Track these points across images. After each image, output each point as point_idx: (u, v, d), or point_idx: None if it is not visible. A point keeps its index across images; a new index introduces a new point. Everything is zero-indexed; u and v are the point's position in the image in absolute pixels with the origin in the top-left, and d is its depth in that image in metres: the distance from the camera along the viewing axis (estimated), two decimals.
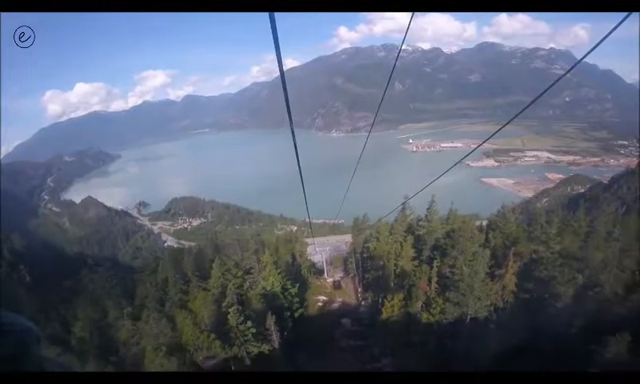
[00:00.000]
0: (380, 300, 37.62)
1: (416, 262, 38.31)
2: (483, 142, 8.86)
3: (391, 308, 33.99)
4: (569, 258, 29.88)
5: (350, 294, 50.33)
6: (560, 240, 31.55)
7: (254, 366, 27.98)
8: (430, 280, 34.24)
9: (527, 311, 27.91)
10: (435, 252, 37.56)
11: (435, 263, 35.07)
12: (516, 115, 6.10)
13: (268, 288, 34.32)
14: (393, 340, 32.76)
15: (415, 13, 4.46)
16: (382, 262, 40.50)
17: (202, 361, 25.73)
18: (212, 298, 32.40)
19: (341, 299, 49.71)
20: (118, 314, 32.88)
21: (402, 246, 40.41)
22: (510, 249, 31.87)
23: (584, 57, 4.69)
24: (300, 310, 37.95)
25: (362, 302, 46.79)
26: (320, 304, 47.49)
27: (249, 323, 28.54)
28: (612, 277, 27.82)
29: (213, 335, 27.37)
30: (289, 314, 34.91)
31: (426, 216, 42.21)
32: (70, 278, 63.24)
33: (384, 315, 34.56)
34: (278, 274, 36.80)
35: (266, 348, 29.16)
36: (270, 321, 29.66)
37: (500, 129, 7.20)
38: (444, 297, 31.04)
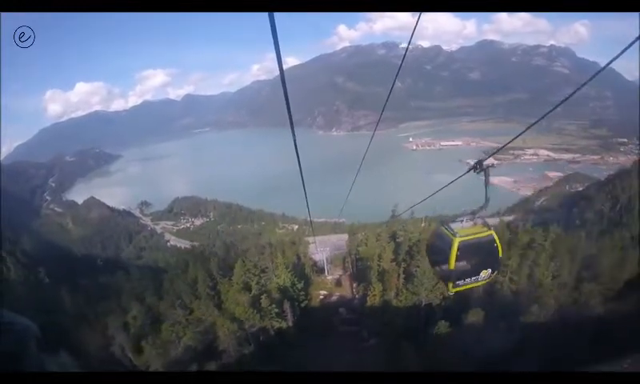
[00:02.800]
0: (368, 293, 45.32)
1: (394, 263, 46.35)
2: (508, 143, 8.28)
3: (373, 297, 42.20)
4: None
5: (346, 289, 56.37)
6: None
7: (276, 336, 36.57)
8: (399, 276, 42.72)
9: (461, 299, 36.53)
10: (407, 255, 46.74)
11: (403, 264, 44.38)
12: (544, 115, 5.91)
13: (280, 283, 42.57)
14: (376, 323, 40.25)
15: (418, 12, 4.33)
16: (369, 263, 48.90)
17: (248, 327, 34.03)
18: (240, 291, 40.43)
19: (338, 293, 55.52)
20: (168, 305, 40.25)
21: (385, 250, 48.79)
22: None
23: (616, 57, 3.98)
24: (305, 302, 45.36)
25: (356, 295, 52.99)
26: (321, 297, 53.93)
27: (273, 306, 37.02)
28: (507, 280, 38.25)
29: (255, 311, 35.58)
30: (297, 304, 42.24)
31: (403, 226, 53.63)
32: (100, 277, 68.40)
33: (368, 304, 43.06)
34: (288, 272, 44.62)
35: (283, 324, 37.51)
36: (286, 306, 38.15)
37: (526, 129, 6.67)
38: (406, 288, 40.33)
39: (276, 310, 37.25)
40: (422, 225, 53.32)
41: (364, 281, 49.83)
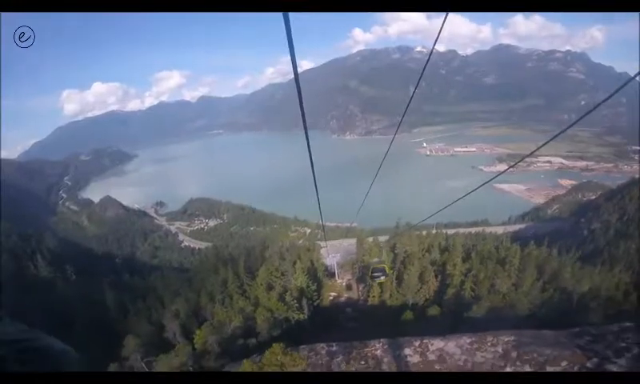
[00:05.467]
0: (369, 295, 52.49)
1: (390, 271, 50.75)
2: (529, 154, 8.72)
3: (373, 298, 49.78)
4: (464, 274, 48.57)
5: (354, 292, 60.28)
6: (465, 264, 51.03)
7: (295, 326, 42.06)
8: (392, 282, 50.24)
9: (437, 299, 46.53)
10: (401, 264, 55.00)
11: (393, 271, 51.79)
12: (568, 127, 5.83)
13: (298, 285, 49.60)
14: (374, 319, 45.63)
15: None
16: None
17: (277, 316, 40.08)
18: (266, 290, 48.89)
19: (347, 295, 59.57)
20: (207, 301, 48.54)
21: (385, 259, 54.53)
22: (442, 265, 52.90)
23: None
24: (317, 301, 51.50)
25: (362, 297, 57.27)
26: (331, 298, 58.10)
27: (294, 301, 44.27)
28: (469, 286, 45.63)
29: (281, 303, 42.72)
30: (311, 302, 48.42)
31: (400, 240, 61.43)
32: (132, 275, 74.93)
33: (369, 304, 50.33)
34: (304, 275, 51.52)
35: (301, 316, 43.37)
36: (304, 302, 45.06)
37: (549, 141, 6.61)
38: (397, 291, 49.29)
39: (296, 305, 44.36)
40: (424, 232, 59.32)
41: (368, 285, 55.22)
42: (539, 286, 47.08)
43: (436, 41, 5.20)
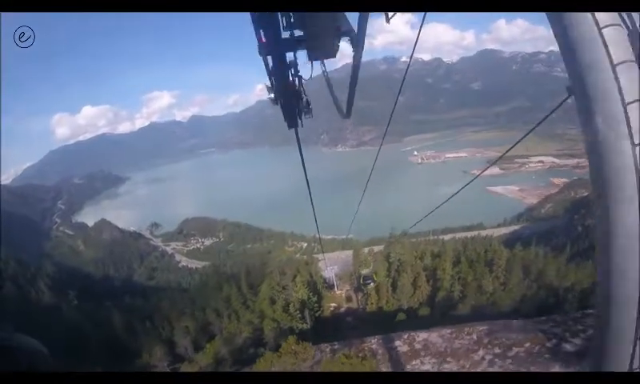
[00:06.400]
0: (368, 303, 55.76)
1: (386, 279, 56.15)
2: (506, 152, 6.79)
3: (371, 305, 52.73)
4: (453, 279, 51.12)
5: (353, 301, 61.80)
6: (455, 268, 52.91)
7: (298, 335, 41.10)
8: (388, 289, 53.82)
9: (429, 301, 49.96)
10: (396, 272, 56.59)
11: (388, 279, 55.60)
12: (540, 122, 4.70)
13: (299, 297, 51.29)
14: (373, 326, 45.64)
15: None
16: None
17: (281, 326, 42.84)
18: (269, 303, 51.44)
19: (347, 305, 61.18)
20: (215, 316, 50.48)
21: (380, 269, 58.39)
22: (433, 271, 55.30)
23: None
24: (319, 312, 53.37)
25: (361, 306, 59.09)
26: (332, 309, 59.95)
27: (297, 312, 46.75)
28: (457, 289, 49.25)
29: (286, 314, 46.03)
30: (312, 313, 50.41)
31: (394, 249, 63.19)
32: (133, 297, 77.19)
33: (368, 310, 52.88)
34: (304, 288, 53.30)
35: (304, 326, 45.71)
36: (306, 313, 47.43)
37: (524, 136, 5.94)
38: (393, 297, 52.30)
39: (299, 316, 47.01)
40: (418, 239, 61.90)
41: (365, 293, 57.76)
42: (525, 284, 49.45)
43: (417, 41, 5.02)
